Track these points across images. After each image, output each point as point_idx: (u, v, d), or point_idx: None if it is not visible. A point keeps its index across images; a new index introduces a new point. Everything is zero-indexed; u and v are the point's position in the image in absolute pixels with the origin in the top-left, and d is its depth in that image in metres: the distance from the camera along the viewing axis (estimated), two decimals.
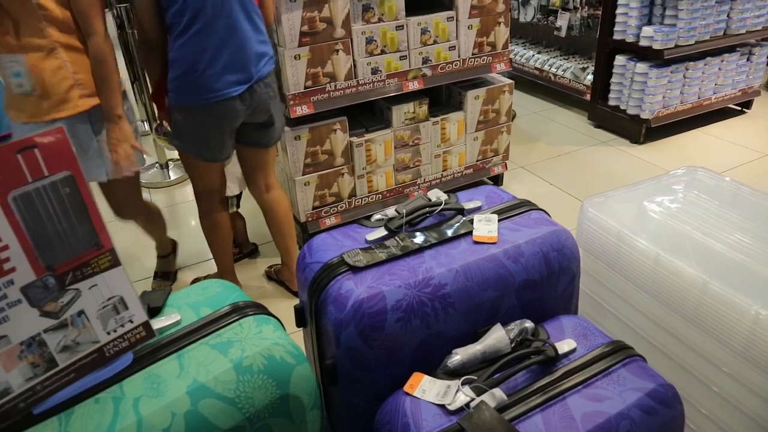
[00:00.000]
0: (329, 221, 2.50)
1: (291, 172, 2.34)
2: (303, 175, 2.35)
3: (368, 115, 2.61)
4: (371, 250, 1.05)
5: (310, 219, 2.45)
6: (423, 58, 2.43)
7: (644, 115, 3.37)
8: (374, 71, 2.34)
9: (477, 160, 2.83)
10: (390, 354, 0.98)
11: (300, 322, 1.12)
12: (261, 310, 0.95)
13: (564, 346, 0.99)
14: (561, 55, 4.37)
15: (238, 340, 0.87)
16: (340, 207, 2.50)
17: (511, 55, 2.76)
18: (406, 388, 0.93)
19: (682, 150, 3.43)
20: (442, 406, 0.89)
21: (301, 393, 0.88)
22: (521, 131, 3.68)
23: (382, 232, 1.10)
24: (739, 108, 3.94)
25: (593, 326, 1.07)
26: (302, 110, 2.22)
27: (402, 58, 2.38)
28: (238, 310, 0.92)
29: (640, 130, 3.44)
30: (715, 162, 3.26)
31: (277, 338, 0.89)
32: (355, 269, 1.01)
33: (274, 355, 0.86)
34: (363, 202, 2.56)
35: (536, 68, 4.29)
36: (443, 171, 2.75)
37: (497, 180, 3.03)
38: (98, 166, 1.73)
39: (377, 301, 0.96)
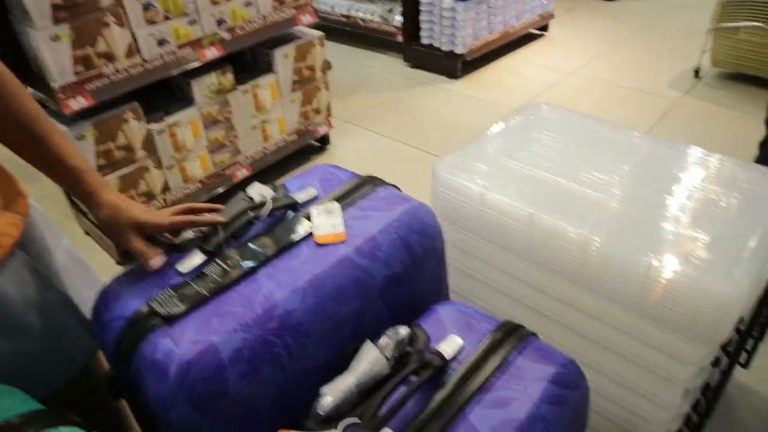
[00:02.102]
0: None
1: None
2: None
3: (166, 96, 2.24)
4: (187, 286, 0.79)
5: None
6: (217, 20, 2.10)
7: (458, 50, 3.34)
8: (160, 43, 1.97)
9: (299, 124, 2.60)
10: (243, 419, 0.75)
11: (116, 394, 0.84)
12: (44, 423, 0.66)
13: (449, 347, 0.83)
14: None
15: None
16: (156, 206, 2.14)
17: (316, 5, 2.55)
18: None
19: (498, 79, 3.47)
20: None
21: None
22: (339, 84, 3.49)
23: (197, 256, 0.84)
24: (539, 32, 4.10)
25: (473, 310, 0.92)
26: (78, 103, 1.81)
27: (192, 23, 2.04)
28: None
29: (456, 66, 3.41)
30: (530, 86, 3.35)
31: None
32: (171, 319, 0.75)
33: None
34: (182, 194, 2.22)
35: (343, 15, 4.08)
36: (264, 143, 2.47)
37: (324, 141, 2.83)
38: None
39: (209, 358, 0.71)
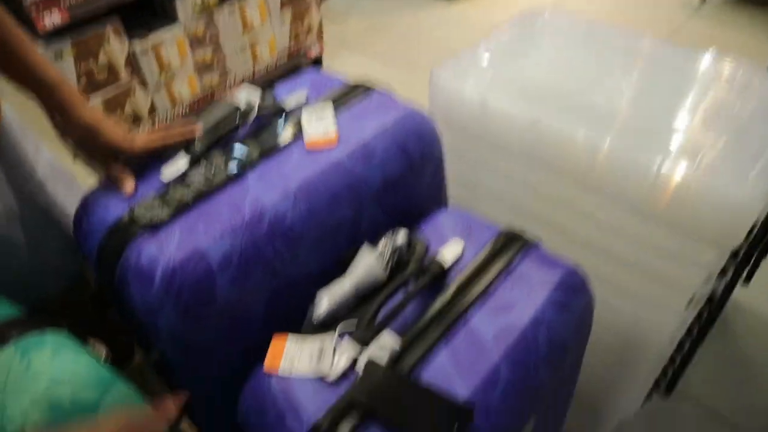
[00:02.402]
0: None
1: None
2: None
3: (148, 15, 2.12)
4: (171, 191, 0.75)
5: None
6: None
7: None
8: None
9: (290, 45, 2.49)
10: (234, 325, 0.72)
11: (103, 304, 0.81)
12: (28, 326, 0.63)
13: (449, 252, 0.79)
14: None
15: None
16: (144, 130, 2.07)
17: None
18: (268, 364, 0.68)
19: None
20: (322, 378, 0.66)
21: None
22: (331, 10, 3.33)
23: (181, 161, 0.79)
24: None
25: (474, 217, 0.88)
26: (53, 19, 1.70)
27: None
28: None
29: None
30: (532, 5, 3.20)
31: (59, 370, 0.58)
32: (155, 225, 0.71)
33: (59, 402, 0.56)
34: (169, 117, 2.14)
35: None
36: (255, 65, 2.37)
37: (317, 63, 2.72)
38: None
39: (196, 263, 0.67)
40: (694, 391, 1.41)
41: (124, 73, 1.94)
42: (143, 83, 2.01)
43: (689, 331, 1.06)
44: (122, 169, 0.78)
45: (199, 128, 0.82)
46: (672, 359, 1.15)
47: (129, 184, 0.76)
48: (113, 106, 1.95)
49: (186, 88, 2.14)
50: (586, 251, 0.93)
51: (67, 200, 0.90)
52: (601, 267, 0.95)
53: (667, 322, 0.95)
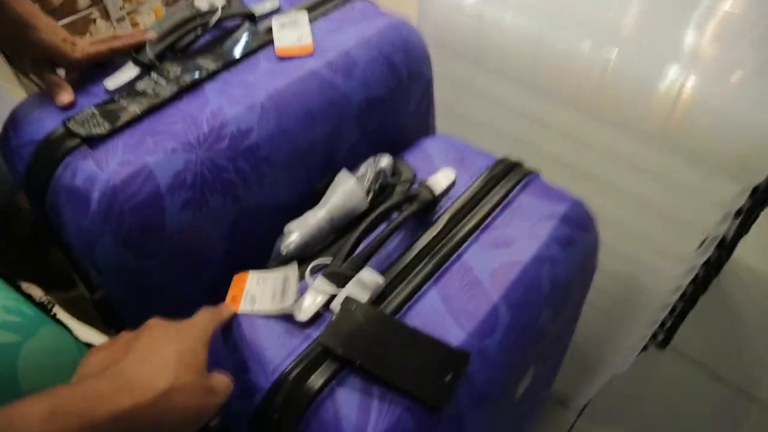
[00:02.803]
0: None
1: None
2: None
3: None
4: (116, 102, 0.63)
5: None
6: None
7: None
8: None
9: None
10: (188, 260, 0.61)
11: (37, 237, 0.70)
12: None
13: (440, 180, 0.69)
14: None
15: None
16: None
17: None
18: (227, 303, 0.58)
19: None
20: (290, 318, 0.56)
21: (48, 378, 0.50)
22: None
23: (130, 70, 0.67)
24: None
25: (467, 145, 0.78)
26: None
27: None
28: None
29: None
30: None
31: None
32: (94, 139, 0.59)
33: None
34: None
35: None
36: None
37: None
38: None
39: (141, 182, 0.56)
40: (682, 344, 1.36)
41: (83, 2, 1.77)
42: (105, 13, 1.84)
43: (694, 278, 0.98)
44: (58, 77, 0.66)
45: (152, 34, 0.70)
46: (672, 309, 1.08)
47: (66, 94, 0.64)
48: (72, 34, 1.79)
49: (152, 19, 1.98)
50: (590, 185, 0.84)
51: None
52: (606, 204, 0.85)
53: (674, 266, 0.87)
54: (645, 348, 1.17)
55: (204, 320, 0.50)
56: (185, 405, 0.42)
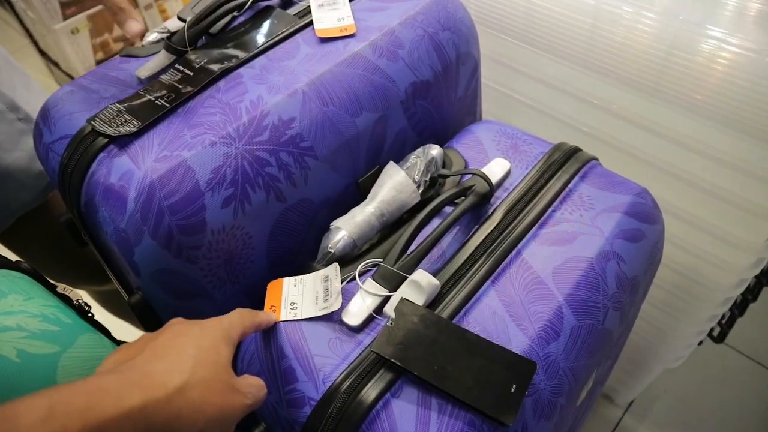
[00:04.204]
0: None
1: (44, 19, 1.68)
2: (64, 20, 1.69)
3: None
4: (148, 94, 0.59)
5: None
6: None
7: None
8: None
9: None
10: (231, 259, 0.57)
11: (78, 240, 0.67)
12: None
13: (494, 169, 0.64)
14: None
15: None
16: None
17: None
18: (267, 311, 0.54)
19: None
20: (338, 322, 0.52)
21: None
22: None
23: (163, 58, 0.63)
24: None
25: (519, 131, 0.72)
26: None
27: None
28: None
29: None
30: None
31: (15, 319, 0.45)
32: (128, 135, 0.55)
33: (4, 360, 0.43)
34: None
35: None
36: None
37: None
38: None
39: (179, 179, 0.53)
40: (737, 339, 1.29)
41: None
42: (133, 1, 1.82)
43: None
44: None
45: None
46: (734, 302, 1.01)
47: (135, 23, 0.62)
48: (100, 27, 1.77)
49: (180, 5, 1.95)
50: (649, 173, 0.78)
51: (24, 98, 0.75)
52: (667, 192, 0.80)
53: (741, 258, 0.81)
54: (700, 343, 1.11)
55: (233, 320, 0.46)
56: (203, 402, 0.38)
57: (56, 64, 1.94)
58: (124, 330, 0.67)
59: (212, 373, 0.40)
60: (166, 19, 1.92)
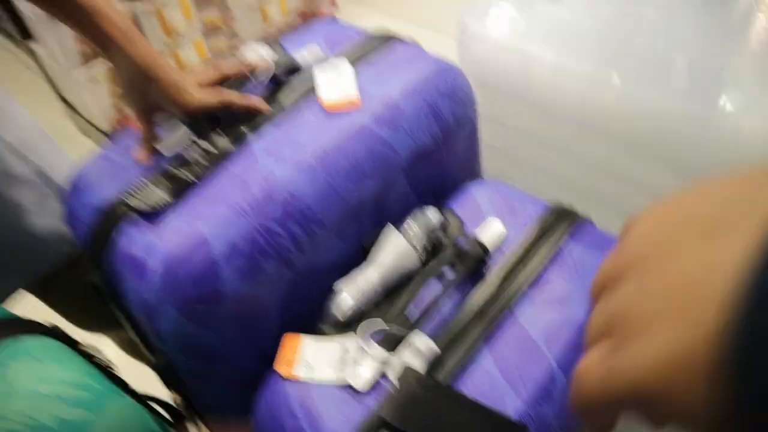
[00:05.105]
0: None
1: (64, 65, 1.75)
2: (83, 65, 1.76)
3: None
4: (169, 169, 0.64)
5: (117, 125, 1.90)
6: None
7: None
8: None
9: (302, 4, 2.34)
10: (246, 325, 0.62)
11: (103, 301, 0.71)
12: (16, 328, 0.54)
13: (489, 232, 0.68)
14: None
15: None
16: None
17: None
18: (280, 369, 0.59)
19: None
20: (347, 387, 0.56)
21: None
22: None
23: (179, 129, 0.68)
24: None
25: (514, 190, 0.77)
26: None
27: None
28: None
29: None
30: None
31: (50, 386, 0.49)
32: (150, 209, 0.60)
33: (41, 425, 0.47)
34: None
35: None
36: (264, 25, 2.24)
37: None
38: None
39: (198, 252, 0.57)
40: None
41: None
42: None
43: None
44: (151, 131, 0.66)
45: (267, 107, 0.70)
46: None
47: (145, 153, 0.66)
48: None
49: (193, 52, 2.02)
50: None
51: (54, 167, 0.80)
52: None
53: None
54: None
55: None
56: None
57: (77, 112, 2.02)
58: (146, 372, 0.71)
59: None
60: (181, 67, 1.99)
